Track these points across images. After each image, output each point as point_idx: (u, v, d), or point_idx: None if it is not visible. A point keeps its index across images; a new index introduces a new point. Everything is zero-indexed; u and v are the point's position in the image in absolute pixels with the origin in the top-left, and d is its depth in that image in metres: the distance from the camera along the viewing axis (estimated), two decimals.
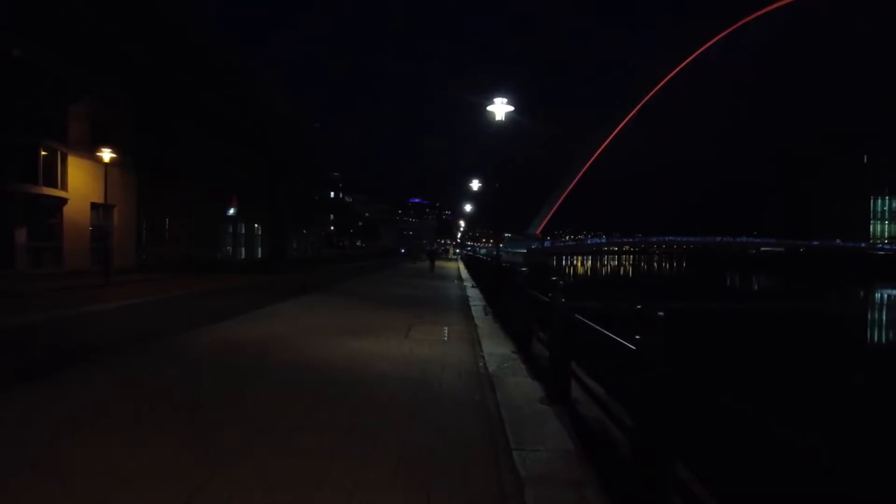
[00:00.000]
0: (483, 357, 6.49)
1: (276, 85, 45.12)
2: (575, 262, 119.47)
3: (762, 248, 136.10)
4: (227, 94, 32.57)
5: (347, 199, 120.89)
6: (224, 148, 33.15)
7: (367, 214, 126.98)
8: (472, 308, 12.19)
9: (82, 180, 21.42)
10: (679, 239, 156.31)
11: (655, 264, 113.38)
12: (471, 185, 28.15)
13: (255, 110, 37.64)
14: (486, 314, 10.83)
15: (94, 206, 22.10)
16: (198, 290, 15.97)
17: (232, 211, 33.73)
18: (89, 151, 20.67)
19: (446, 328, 8.88)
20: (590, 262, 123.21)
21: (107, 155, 19.27)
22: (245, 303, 12.17)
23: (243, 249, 36.27)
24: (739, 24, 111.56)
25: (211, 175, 30.86)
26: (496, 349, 6.96)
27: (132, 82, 24.61)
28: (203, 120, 30.45)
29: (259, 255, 38.79)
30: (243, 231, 36.43)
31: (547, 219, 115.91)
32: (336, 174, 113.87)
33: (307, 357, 6.32)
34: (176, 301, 13.44)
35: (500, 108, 11.93)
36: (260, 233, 39.17)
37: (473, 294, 15.70)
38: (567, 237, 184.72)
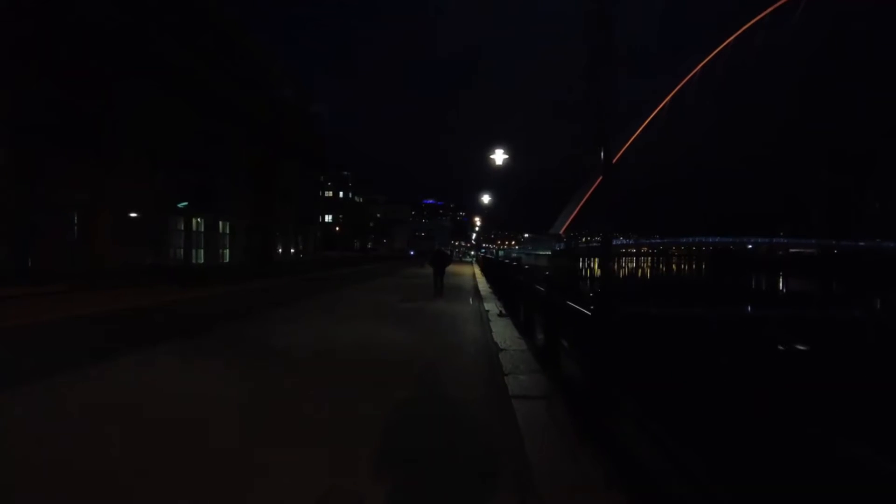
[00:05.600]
0: None
1: (270, 50, 37.79)
2: (592, 264, 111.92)
3: (791, 249, 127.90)
4: (195, 40, 25.15)
5: (357, 198, 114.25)
6: (189, 120, 25.29)
7: (378, 215, 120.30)
8: (520, 417, 4.47)
9: None
10: (709, 240, 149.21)
11: (676, 266, 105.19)
12: (493, 157, 20.07)
13: (237, 68, 30.16)
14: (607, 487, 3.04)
15: None
16: None
17: (184, 203, 26.14)
18: None
19: None
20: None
21: None
22: None
23: (202, 251, 28.59)
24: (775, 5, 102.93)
25: (159, 154, 23.42)
26: None
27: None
28: (153, 74, 22.37)
29: (227, 259, 31.23)
30: (203, 229, 28.77)
31: (573, 216, 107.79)
32: (346, 173, 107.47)
33: None
34: None
35: None
36: (228, 231, 31.44)
37: (507, 340, 7.87)
38: (583, 238, 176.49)
